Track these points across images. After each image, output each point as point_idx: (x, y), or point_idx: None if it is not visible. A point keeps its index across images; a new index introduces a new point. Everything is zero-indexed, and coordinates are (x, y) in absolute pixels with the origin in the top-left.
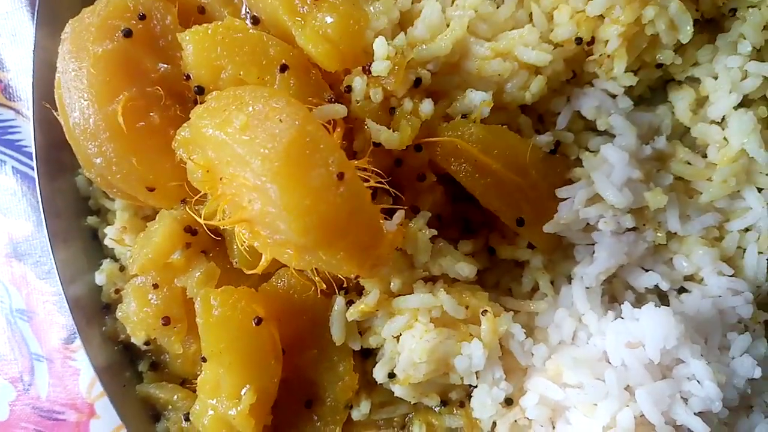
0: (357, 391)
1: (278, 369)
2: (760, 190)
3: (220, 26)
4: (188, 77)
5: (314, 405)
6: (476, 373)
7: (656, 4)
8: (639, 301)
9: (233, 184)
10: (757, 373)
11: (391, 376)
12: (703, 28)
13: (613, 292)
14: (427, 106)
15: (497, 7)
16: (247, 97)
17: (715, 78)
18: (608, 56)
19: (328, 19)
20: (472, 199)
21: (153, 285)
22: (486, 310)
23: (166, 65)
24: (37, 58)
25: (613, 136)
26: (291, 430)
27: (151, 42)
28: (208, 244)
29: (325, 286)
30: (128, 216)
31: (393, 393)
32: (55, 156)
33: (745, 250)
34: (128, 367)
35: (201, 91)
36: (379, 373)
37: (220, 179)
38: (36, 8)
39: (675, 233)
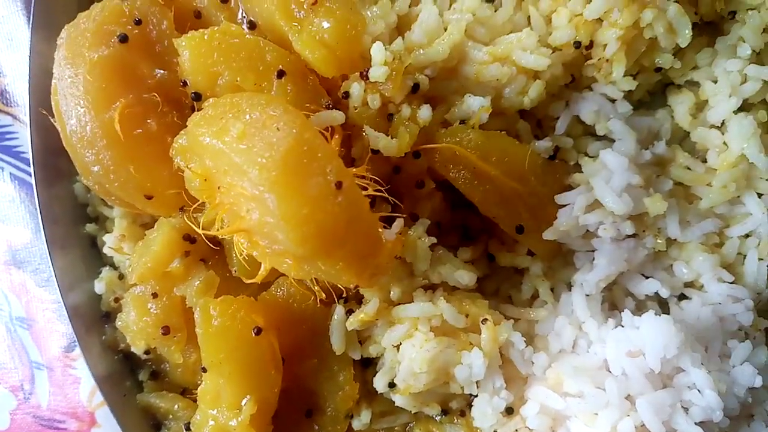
0: (357, 401)
1: (278, 379)
2: (760, 195)
3: (217, 32)
4: (185, 83)
5: (315, 415)
6: (477, 382)
7: (655, 7)
8: (639, 308)
9: (231, 193)
10: (758, 381)
11: (392, 385)
12: (702, 31)
13: (614, 299)
14: (425, 112)
15: (495, 11)
16: (244, 105)
17: (715, 82)
18: (607, 60)
19: (325, 24)
20: (471, 205)
21: (152, 294)
22: (486, 319)
23: (162, 71)
24: (33, 64)
25: (613, 140)
26: None
27: (148, 47)
28: (207, 252)
29: (324, 295)
30: (127, 224)
31: (393, 402)
32: (53, 162)
33: (745, 256)
34: (128, 376)
35: (198, 97)
36: (380, 383)
37: (218, 188)
38: (31, 12)
39: (675, 239)
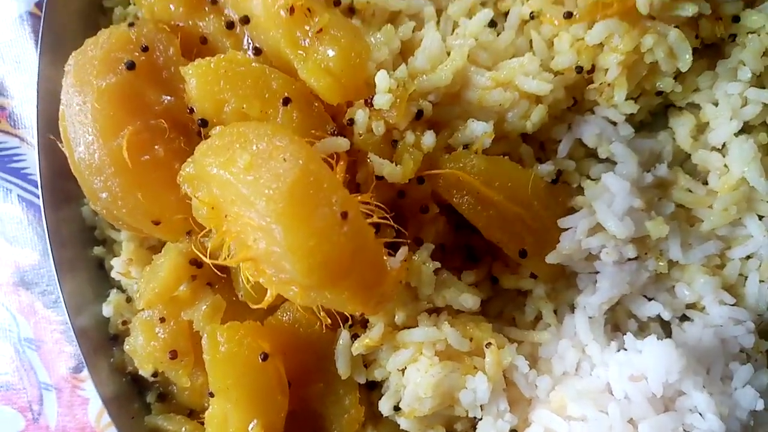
0: (363, 424)
1: (285, 403)
2: (761, 217)
3: (223, 60)
4: (192, 110)
5: None
6: (481, 405)
7: (655, 32)
8: (642, 329)
9: (238, 222)
10: (760, 405)
11: (397, 408)
12: (702, 54)
13: (616, 320)
14: (428, 139)
15: (497, 35)
16: (250, 135)
17: (716, 104)
18: (608, 84)
19: (330, 53)
20: (475, 227)
21: (160, 319)
22: (490, 343)
23: (169, 97)
24: (41, 88)
25: (615, 163)
26: None
27: (154, 74)
28: (214, 276)
29: (330, 320)
30: (134, 247)
31: (399, 425)
32: (61, 186)
33: (746, 278)
34: (136, 397)
35: (205, 123)
36: (385, 406)
37: (225, 216)
38: (39, 36)
39: (677, 261)
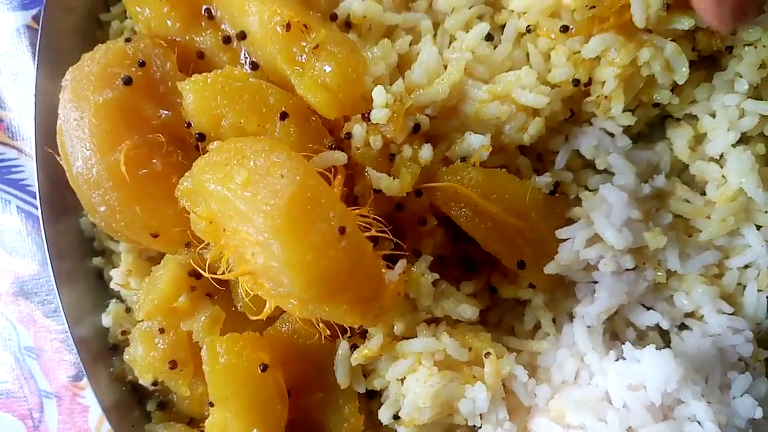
0: None
1: (284, 413)
2: (759, 227)
3: (220, 75)
4: (189, 125)
5: None
6: (480, 414)
7: (652, 46)
8: (640, 338)
9: (236, 237)
10: (758, 413)
11: (396, 417)
12: (699, 66)
13: (615, 329)
14: (426, 152)
15: (494, 48)
16: (248, 151)
17: (713, 116)
18: (606, 97)
19: (327, 68)
20: (473, 238)
21: (159, 329)
22: (489, 353)
23: (167, 111)
24: (38, 101)
25: (613, 174)
26: None
27: (152, 89)
28: (213, 287)
29: (328, 332)
30: (132, 258)
31: None
32: (59, 198)
33: (744, 287)
34: (136, 406)
35: (202, 138)
36: (385, 415)
37: (224, 230)
38: (37, 50)
39: (675, 271)
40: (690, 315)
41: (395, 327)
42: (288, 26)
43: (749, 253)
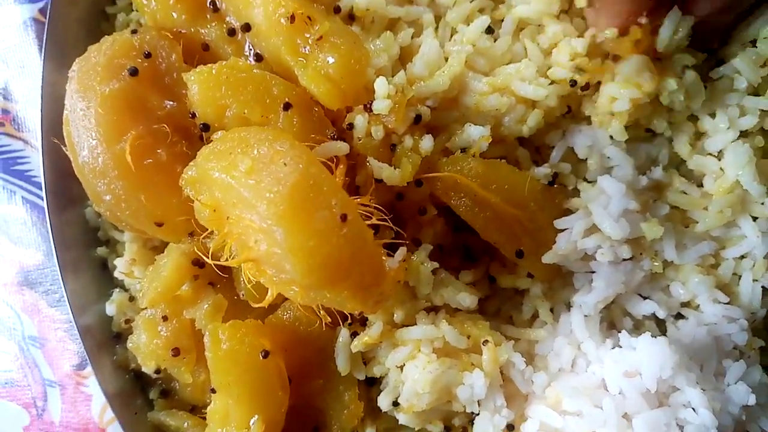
0: (362, 419)
1: (285, 399)
2: (754, 218)
3: (224, 66)
4: (194, 115)
5: None
6: (478, 401)
7: (675, 75)
8: (637, 328)
9: (240, 224)
10: (752, 400)
11: (396, 404)
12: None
13: (612, 318)
14: (427, 143)
15: (495, 41)
16: (251, 140)
17: (713, 116)
18: (611, 114)
19: (330, 60)
20: (472, 228)
21: (162, 317)
22: (487, 340)
23: (172, 102)
24: (45, 93)
25: (611, 165)
26: None
27: (157, 80)
28: (216, 275)
29: (329, 319)
30: (137, 247)
31: (397, 420)
32: (64, 188)
33: (740, 277)
34: (139, 394)
35: (206, 128)
36: (384, 402)
37: (227, 218)
38: (44, 42)
39: (671, 261)
40: (686, 304)
41: (395, 315)
42: (292, 18)
43: (745, 244)
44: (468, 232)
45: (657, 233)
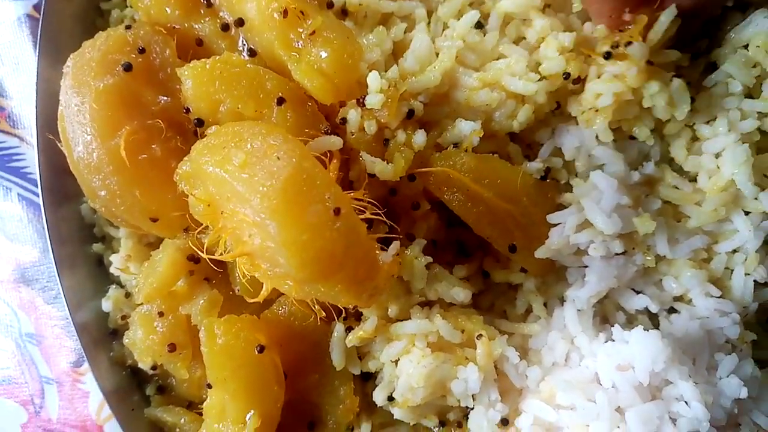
0: (358, 414)
1: (281, 394)
2: (747, 213)
3: (218, 62)
4: (188, 110)
5: (317, 427)
6: (473, 395)
7: (659, 79)
8: (630, 322)
9: (234, 218)
10: (744, 393)
11: (391, 399)
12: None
13: (605, 313)
14: (419, 138)
15: (484, 36)
16: (245, 134)
17: (708, 122)
18: (596, 110)
19: (323, 54)
20: (465, 223)
21: (158, 313)
22: (481, 335)
23: (166, 97)
24: (39, 89)
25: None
26: None
27: (151, 75)
28: (211, 271)
29: (324, 313)
30: (132, 243)
31: (393, 415)
32: (59, 185)
33: (732, 271)
34: (136, 390)
35: (200, 123)
36: (379, 397)
37: (221, 213)
38: (38, 39)
39: (664, 256)
40: (678, 298)
41: (389, 309)
42: (285, 13)
43: (737, 238)
44: (462, 227)
45: (649, 228)
